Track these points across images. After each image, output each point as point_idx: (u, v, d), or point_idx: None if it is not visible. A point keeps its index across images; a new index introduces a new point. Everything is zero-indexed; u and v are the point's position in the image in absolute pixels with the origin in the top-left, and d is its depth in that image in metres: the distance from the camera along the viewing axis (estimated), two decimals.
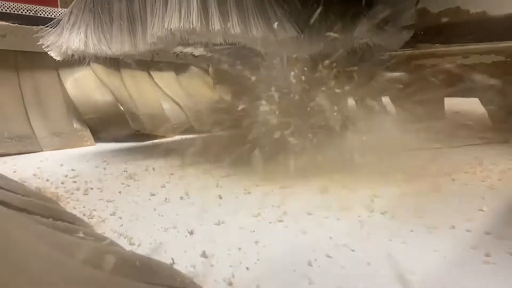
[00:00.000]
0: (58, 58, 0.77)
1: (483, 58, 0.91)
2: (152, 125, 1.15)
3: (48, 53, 0.77)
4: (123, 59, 1.14)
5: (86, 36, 0.71)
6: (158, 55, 1.15)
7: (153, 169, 0.74)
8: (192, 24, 0.56)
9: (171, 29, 0.57)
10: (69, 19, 0.74)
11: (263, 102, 0.67)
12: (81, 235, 0.30)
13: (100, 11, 0.71)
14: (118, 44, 0.69)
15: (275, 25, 0.58)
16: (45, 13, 1.21)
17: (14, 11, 1.12)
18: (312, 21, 0.65)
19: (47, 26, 0.78)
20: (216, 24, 0.56)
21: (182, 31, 0.57)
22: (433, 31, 0.92)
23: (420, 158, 0.72)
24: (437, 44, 0.92)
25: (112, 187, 0.62)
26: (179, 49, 0.99)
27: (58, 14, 1.17)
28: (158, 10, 0.60)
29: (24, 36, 1.01)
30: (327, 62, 0.70)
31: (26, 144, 0.96)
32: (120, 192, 0.60)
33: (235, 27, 0.56)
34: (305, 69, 0.70)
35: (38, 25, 0.92)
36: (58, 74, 1.10)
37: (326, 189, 0.57)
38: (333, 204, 0.51)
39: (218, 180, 0.64)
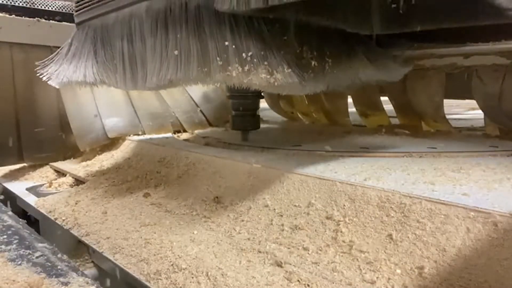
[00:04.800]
0: (57, 87, 0.78)
1: (483, 59, 0.91)
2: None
3: (48, 82, 0.77)
4: None
5: (86, 68, 0.71)
6: None
7: None
8: (192, 74, 0.56)
9: (170, 79, 0.58)
10: (68, 50, 0.75)
11: None
12: None
13: (101, 45, 0.71)
14: (119, 81, 0.69)
15: (275, 70, 0.57)
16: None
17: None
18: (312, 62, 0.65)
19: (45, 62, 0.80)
20: (216, 73, 0.55)
21: (182, 80, 0.57)
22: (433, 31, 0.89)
23: None
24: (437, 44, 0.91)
25: None
26: None
27: (54, 7, 1.16)
28: (157, 56, 0.60)
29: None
30: None
31: None
32: None
33: (235, 75, 0.55)
34: None
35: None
36: None
37: None
38: None
39: None
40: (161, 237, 0.57)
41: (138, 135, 1.12)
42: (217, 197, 0.68)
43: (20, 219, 0.69)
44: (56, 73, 0.75)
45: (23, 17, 1.03)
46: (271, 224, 0.57)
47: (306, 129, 1.21)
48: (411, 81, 1.06)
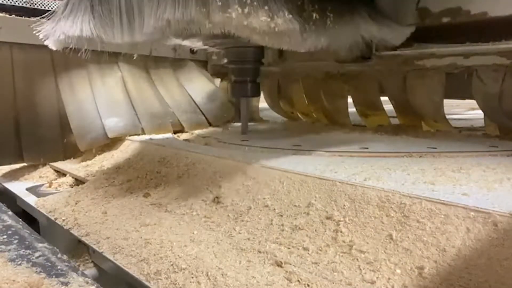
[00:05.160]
0: (53, 47, 0.76)
1: (483, 59, 0.90)
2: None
3: (44, 42, 0.77)
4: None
5: (82, 23, 0.70)
6: None
7: None
8: (191, 13, 0.55)
9: (167, 19, 0.56)
10: (65, 8, 0.74)
11: None
12: None
13: (98, 1, 0.70)
14: (115, 33, 0.68)
15: (276, 15, 0.57)
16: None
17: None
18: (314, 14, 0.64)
19: (43, 17, 0.79)
20: (215, 14, 0.54)
21: (180, 21, 0.56)
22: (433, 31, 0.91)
23: None
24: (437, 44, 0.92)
25: None
26: (177, 42, 0.97)
27: (54, 7, 1.15)
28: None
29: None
30: None
31: None
32: None
33: (235, 17, 0.54)
34: None
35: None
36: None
37: None
38: None
39: None
40: (161, 237, 0.57)
41: (138, 135, 1.12)
42: (217, 197, 0.68)
43: (20, 219, 0.69)
44: (53, 31, 0.74)
45: (23, 17, 1.03)
46: (271, 224, 0.57)
47: (306, 129, 1.21)
48: (411, 81, 1.06)
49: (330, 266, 0.45)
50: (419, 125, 1.12)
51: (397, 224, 0.48)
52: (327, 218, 0.54)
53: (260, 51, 0.96)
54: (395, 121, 1.19)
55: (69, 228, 0.68)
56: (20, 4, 1.11)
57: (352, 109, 1.26)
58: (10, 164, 1.08)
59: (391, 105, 1.18)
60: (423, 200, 0.49)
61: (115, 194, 0.78)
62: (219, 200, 0.67)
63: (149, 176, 0.83)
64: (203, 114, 1.29)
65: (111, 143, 1.11)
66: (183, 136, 1.16)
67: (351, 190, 0.56)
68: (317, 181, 0.61)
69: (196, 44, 1.06)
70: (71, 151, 1.11)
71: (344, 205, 0.54)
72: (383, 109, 1.19)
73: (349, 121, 1.25)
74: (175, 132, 1.21)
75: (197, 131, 1.22)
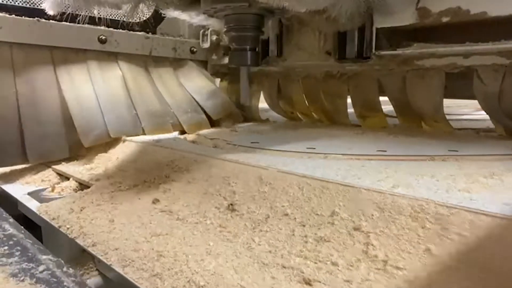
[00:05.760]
0: (50, 11, 0.75)
1: (483, 59, 0.90)
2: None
3: (42, 5, 0.76)
4: None
5: None
6: None
7: None
8: None
9: None
10: None
11: None
12: None
13: None
14: None
15: None
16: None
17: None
18: None
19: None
20: None
21: None
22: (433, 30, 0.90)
23: None
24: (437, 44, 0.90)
25: None
26: (175, 14, 0.94)
27: None
28: None
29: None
30: None
31: None
32: None
33: None
34: None
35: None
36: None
37: None
38: None
39: None
40: (174, 249, 0.53)
41: (138, 135, 1.10)
42: (231, 204, 0.64)
43: (22, 227, 0.65)
44: None
45: (23, 17, 1.02)
46: (293, 235, 0.53)
47: (316, 130, 1.17)
48: (411, 81, 1.04)
49: (365, 284, 0.41)
50: (419, 125, 1.11)
51: (435, 237, 0.44)
52: (355, 229, 0.50)
53: (260, 18, 0.93)
54: (393, 121, 1.17)
55: (74, 237, 0.64)
56: (20, 4, 1.10)
57: (349, 109, 1.26)
58: (13, 164, 1.05)
59: (390, 106, 1.16)
60: (461, 210, 0.45)
61: (122, 200, 0.73)
62: (234, 207, 0.63)
63: (157, 180, 0.79)
64: (204, 112, 1.28)
65: (114, 144, 1.08)
66: (189, 137, 1.12)
67: (380, 198, 0.52)
68: (340, 188, 0.57)
69: (195, 19, 1.03)
70: (76, 150, 1.09)
71: (373, 215, 0.51)
72: (382, 110, 1.18)
73: (349, 121, 1.25)
74: (181, 133, 1.18)
75: (202, 132, 1.19)
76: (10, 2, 1.05)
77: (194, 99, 1.29)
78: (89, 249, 0.60)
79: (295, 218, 0.56)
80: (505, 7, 0.78)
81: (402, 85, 1.07)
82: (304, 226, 0.54)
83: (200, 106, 1.28)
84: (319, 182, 0.60)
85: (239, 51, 0.95)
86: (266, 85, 1.40)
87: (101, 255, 0.57)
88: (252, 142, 0.96)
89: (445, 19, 0.86)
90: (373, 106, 1.18)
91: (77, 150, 1.09)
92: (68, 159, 1.10)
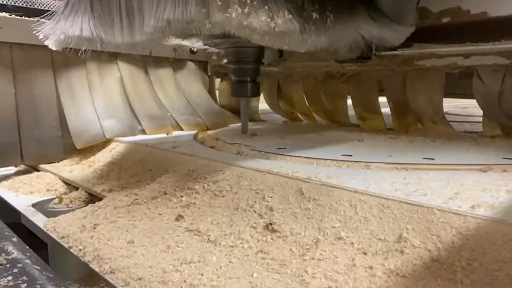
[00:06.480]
0: (54, 48, 0.75)
1: (483, 59, 0.89)
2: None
3: (44, 42, 0.76)
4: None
5: (82, 22, 0.70)
6: None
7: None
8: (190, 13, 0.54)
9: (167, 18, 0.55)
10: (65, 8, 0.73)
11: None
12: None
13: (98, 0, 0.70)
14: (115, 32, 0.67)
15: (276, 15, 0.58)
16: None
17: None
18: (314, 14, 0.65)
19: (43, 17, 0.79)
20: (215, 13, 0.54)
21: (180, 21, 0.55)
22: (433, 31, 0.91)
23: None
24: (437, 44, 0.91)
25: None
26: (177, 42, 1.02)
27: (55, 7, 1.13)
28: None
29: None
30: None
31: None
32: None
33: (235, 17, 0.54)
34: None
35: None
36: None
37: None
38: None
39: None
40: (211, 282, 0.44)
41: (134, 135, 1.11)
42: (270, 224, 0.55)
43: (27, 248, 0.57)
44: (53, 31, 0.74)
45: (23, 17, 1.01)
46: (354, 265, 0.44)
47: (338, 133, 1.09)
48: (411, 81, 1.04)
49: None
50: (415, 126, 1.10)
51: None
52: (433, 260, 0.41)
53: (260, 51, 0.96)
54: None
55: (88, 262, 0.55)
56: (20, 4, 1.09)
57: (350, 111, 1.22)
58: (10, 165, 1.05)
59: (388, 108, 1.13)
60: None
61: (140, 216, 0.65)
62: (274, 227, 0.55)
63: (178, 192, 0.70)
64: (200, 118, 1.28)
65: (117, 147, 1.03)
66: (207, 141, 1.03)
67: (459, 222, 0.43)
68: (404, 207, 0.48)
69: (196, 44, 1.10)
70: (71, 152, 1.09)
71: (454, 243, 0.42)
72: (381, 113, 1.15)
73: (349, 122, 1.23)
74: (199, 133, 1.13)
75: (212, 132, 1.17)
76: (10, 2, 1.08)
77: (190, 104, 1.31)
78: (107, 277, 0.51)
79: (352, 243, 0.47)
80: (505, 8, 0.79)
81: (402, 85, 1.06)
82: (365, 254, 0.45)
83: (196, 112, 1.30)
84: (375, 198, 0.52)
85: (239, 83, 0.97)
86: (266, 85, 1.39)
87: (122, 286, 0.48)
88: (278, 148, 0.87)
89: (445, 19, 0.87)
90: (373, 108, 1.15)
91: (73, 152, 1.08)
92: (69, 162, 1.06)
